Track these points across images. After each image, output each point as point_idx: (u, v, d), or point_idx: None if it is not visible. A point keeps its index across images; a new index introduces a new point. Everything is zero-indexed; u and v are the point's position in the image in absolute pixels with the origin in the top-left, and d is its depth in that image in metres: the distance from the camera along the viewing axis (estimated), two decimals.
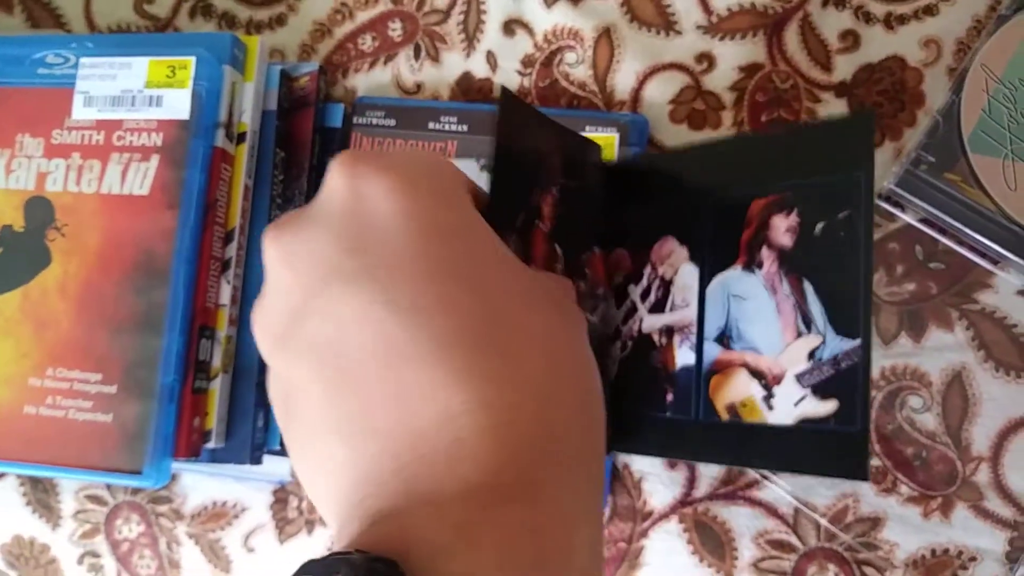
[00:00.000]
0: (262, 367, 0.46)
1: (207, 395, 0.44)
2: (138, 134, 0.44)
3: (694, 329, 0.37)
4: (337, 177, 0.25)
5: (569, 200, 0.38)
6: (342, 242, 0.24)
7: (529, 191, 0.36)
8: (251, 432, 0.45)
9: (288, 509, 0.49)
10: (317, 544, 0.49)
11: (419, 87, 0.51)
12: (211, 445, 0.44)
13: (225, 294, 0.45)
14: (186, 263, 0.42)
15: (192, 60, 0.44)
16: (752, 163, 0.37)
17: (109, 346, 0.42)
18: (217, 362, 0.44)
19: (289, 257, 0.25)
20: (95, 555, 0.51)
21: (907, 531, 0.44)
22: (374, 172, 0.24)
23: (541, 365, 0.24)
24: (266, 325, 0.26)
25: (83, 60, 0.44)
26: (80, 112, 0.44)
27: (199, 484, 0.50)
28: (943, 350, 0.45)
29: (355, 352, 0.23)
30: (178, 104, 0.44)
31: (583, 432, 0.25)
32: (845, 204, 0.34)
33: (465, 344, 0.23)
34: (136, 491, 0.51)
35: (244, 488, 0.50)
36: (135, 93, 0.44)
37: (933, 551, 0.44)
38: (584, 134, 0.46)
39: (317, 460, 0.24)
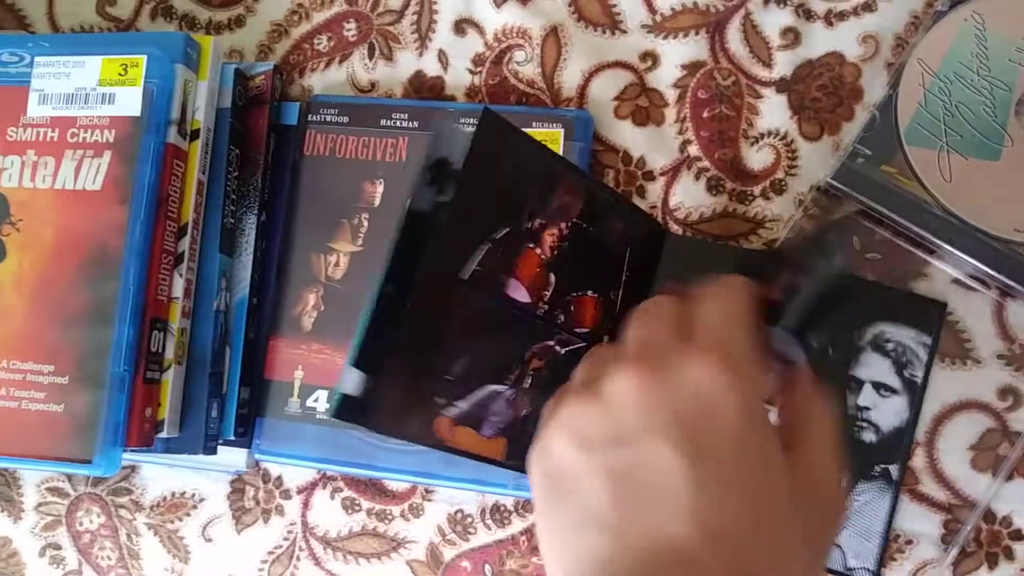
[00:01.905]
0: (215, 359, 0.47)
1: (159, 386, 0.45)
2: (91, 131, 0.45)
3: None
4: (702, 368, 0.30)
5: (580, 241, 0.40)
6: (683, 416, 0.29)
7: (519, 211, 0.37)
8: (204, 422, 0.46)
9: (245, 499, 0.50)
10: (274, 533, 0.50)
11: (373, 85, 0.52)
12: (164, 435, 0.45)
13: (178, 287, 0.46)
14: (137, 256, 0.43)
15: (144, 59, 0.45)
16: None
17: (62, 338, 0.43)
18: (170, 354, 0.45)
19: (641, 395, 0.30)
20: (56, 547, 0.52)
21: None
22: (726, 368, 0.29)
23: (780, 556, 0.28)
24: (578, 428, 0.30)
25: (38, 59, 0.46)
26: (35, 110, 0.45)
27: (158, 475, 0.51)
28: None
29: (637, 482, 0.28)
30: (130, 101, 0.45)
31: None
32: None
33: (725, 522, 0.28)
34: (97, 483, 0.52)
35: (201, 478, 0.51)
36: (88, 91, 0.45)
37: None
38: (530, 130, 0.47)
39: (582, 548, 0.29)
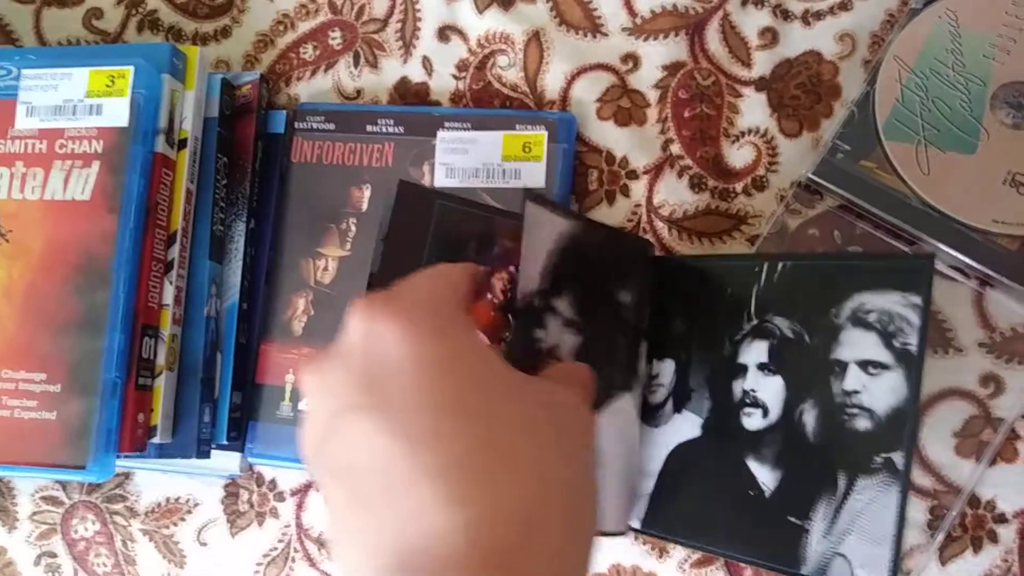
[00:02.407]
0: (207, 365, 0.47)
1: (151, 392, 0.45)
2: (79, 142, 0.45)
3: None
4: (354, 321, 0.29)
5: None
6: (357, 379, 0.28)
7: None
8: (197, 427, 0.47)
9: (239, 502, 0.51)
10: (268, 536, 0.50)
11: (359, 93, 0.52)
12: (157, 440, 0.45)
13: (168, 294, 0.46)
14: (127, 264, 0.44)
15: (130, 70, 0.46)
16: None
17: (53, 346, 0.44)
18: (161, 360, 0.46)
19: (319, 388, 0.30)
20: (52, 555, 0.52)
21: None
22: (382, 316, 0.29)
23: (525, 489, 0.27)
24: (305, 440, 0.30)
25: (25, 72, 0.46)
26: (23, 122, 0.46)
27: (152, 481, 0.52)
28: None
29: (365, 475, 0.27)
30: (117, 112, 0.45)
31: (566, 544, 0.28)
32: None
33: (454, 471, 0.26)
34: (91, 490, 0.52)
35: (195, 483, 0.51)
36: (76, 102, 0.46)
37: None
38: (514, 132, 0.48)
39: (341, 558, 0.28)
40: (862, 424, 0.38)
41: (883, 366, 0.38)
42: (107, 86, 0.46)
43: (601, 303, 0.42)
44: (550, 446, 0.29)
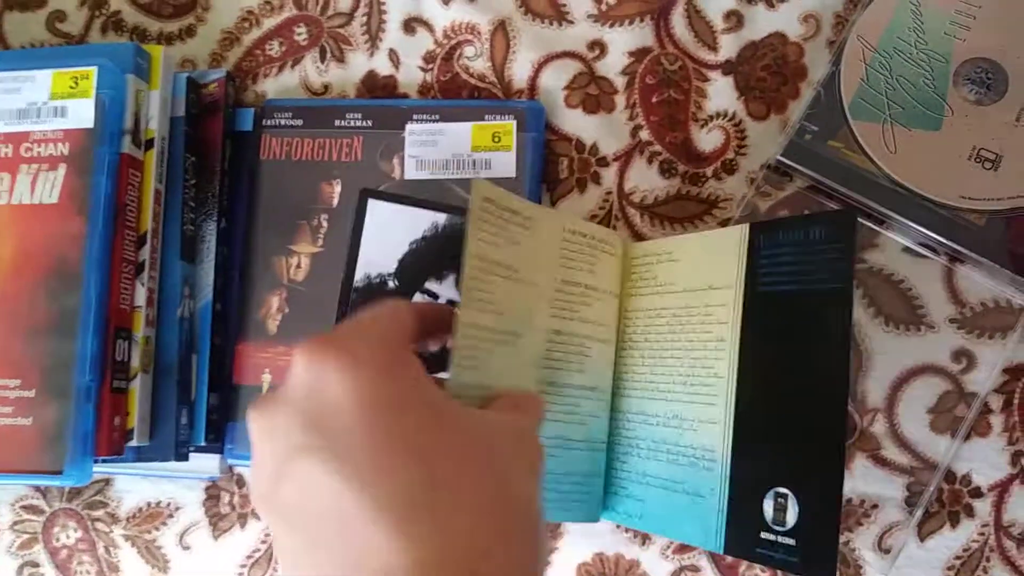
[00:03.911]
0: (182, 366, 0.47)
1: (127, 394, 0.45)
2: (45, 145, 0.45)
3: None
4: (300, 362, 0.29)
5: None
6: (303, 420, 0.28)
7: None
8: (174, 429, 0.46)
9: (220, 505, 0.51)
10: (250, 538, 0.50)
11: (327, 88, 0.52)
12: (134, 443, 0.45)
13: (140, 296, 0.46)
14: (97, 267, 0.44)
15: (94, 70, 0.45)
16: None
17: (26, 352, 0.43)
18: (136, 362, 0.45)
19: (266, 431, 0.30)
20: (34, 565, 0.52)
21: None
22: (325, 356, 0.29)
23: (468, 522, 0.28)
24: (254, 485, 0.30)
25: None
26: None
27: (133, 486, 0.51)
28: None
29: (316, 517, 0.27)
30: (82, 113, 0.45)
31: (515, 571, 0.29)
32: None
33: (400, 508, 0.27)
34: (72, 497, 0.52)
35: (176, 487, 0.51)
36: (40, 105, 0.45)
37: None
38: (483, 123, 0.48)
39: None
40: None
41: None
42: (71, 88, 0.45)
43: None
44: (494, 476, 0.30)
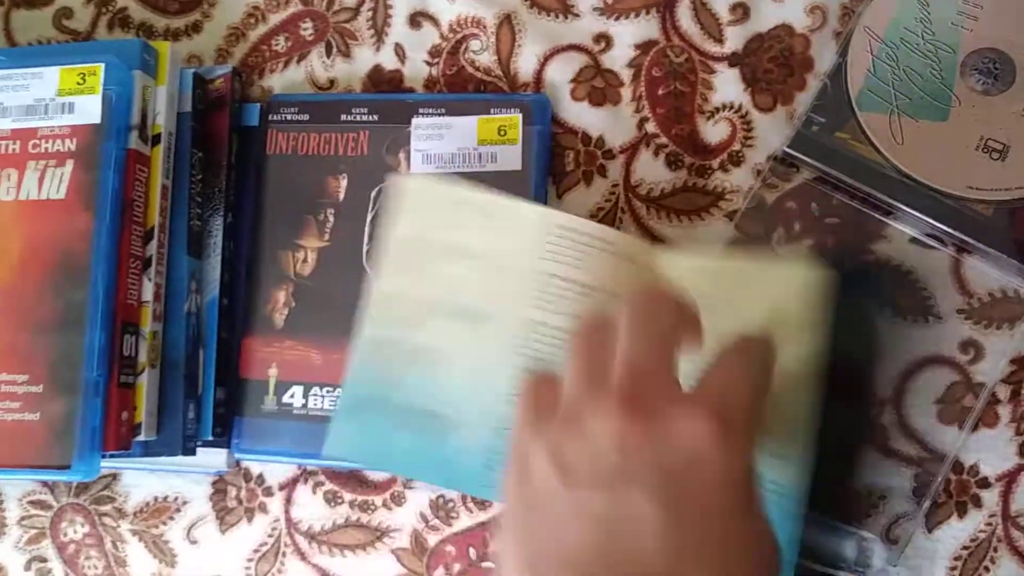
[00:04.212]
0: (189, 361, 0.47)
1: (134, 389, 0.45)
2: (52, 141, 0.45)
3: None
4: (692, 425, 0.30)
5: None
6: (668, 470, 0.29)
7: None
8: (182, 424, 0.46)
9: (227, 499, 0.51)
10: (258, 531, 0.50)
11: (332, 82, 0.52)
12: (142, 438, 0.45)
13: (148, 291, 0.46)
14: (104, 262, 0.44)
15: (101, 67, 0.45)
16: None
17: (34, 347, 0.43)
18: (143, 357, 0.45)
19: (625, 443, 0.30)
20: (42, 560, 0.52)
21: None
22: (718, 444, 0.29)
23: None
24: (563, 461, 0.30)
25: None
26: None
27: (140, 481, 0.51)
28: None
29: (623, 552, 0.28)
30: (90, 109, 0.45)
31: None
32: None
33: None
34: (79, 492, 0.52)
35: (183, 481, 0.51)
36: (48, 101, 0.45)
37: None
38: (489, 116, 0.48)
39: None
40: None
41: None
42: (78, 84, 0.45)
43: None
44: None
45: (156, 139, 0.47)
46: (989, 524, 0.45)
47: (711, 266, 0.44)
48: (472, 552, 0.48)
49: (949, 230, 0.45)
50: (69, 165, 0.45)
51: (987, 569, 0.45)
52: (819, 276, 0.41)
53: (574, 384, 0.33)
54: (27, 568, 0.52)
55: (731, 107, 0.49)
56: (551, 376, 0.35)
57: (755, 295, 0.42)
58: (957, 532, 0.45)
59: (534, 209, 0.44)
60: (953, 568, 0.45)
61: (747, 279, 0.43)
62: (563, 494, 0.29)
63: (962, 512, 0.45)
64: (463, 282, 0.43)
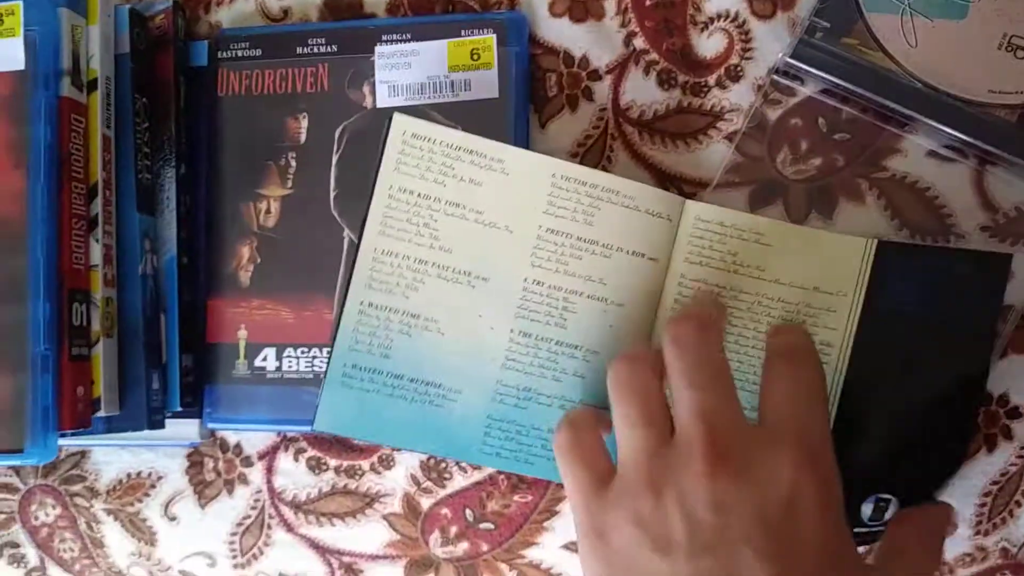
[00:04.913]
0: (149, 327, 0.43)
1: (89, 362, 0.41)
2: None
3: None
4: (790, 472, 0.29)
5: None
6: (769, 524, 0.28)
7: None
8: (146, 396, 0.43)
9: (204, 471, 0.47)
10: (240, 504, 0.47)
11: (286, 13, 0.47)
12: (103, 414, 0.42)
13: (96, 254, 0.42)
14: (43, 224, 0.40)
15: (19, 5, 0.40)
16: None
17: None
18: (96, 326, 0.42)
19: (722, 501, 0.29)
20: (14, 545, 0.49)
21: None
22: (816, 491, 0.29)
23: None
24: (650, 532, 0.29)
25: None
26: None
27: (110, 458, 0.48)
28: (855, 223, 0.43)
29: None
30: (11, 54, 0.40)
31: None
32: None
33: None
34: (47, 473, 0.49)
35: (156, 456, 0.48)
36: None
37: None
38: (460, 39, 0.44)
39: None
40: None
41: None
42: None
43: None
44: None
45: (92, 85, 0.42)
46: (1021, 457, 0.42)
47: (746, 225, 0.41)
48: (469, 513, 0.45)
49: (970, 139, 0.41)
50: None
51: (1018, 504, 0.42)
52: (870, 246, 0.41)
53: (638, 440, 0.32)
54: None
55: (726, 16, 0.44)
56: (589, 420, 0.35)
57: (795, 262, 0.41)
58: (986, 467, 0.42)
59: (535, 157, 0.41)
60: (982, 505, 0.42)
61: (786, 244, 0.41)
62: (662, 566, 0.28)
63: (991, 446, 0.42)
64: (458, 240, 0.40)
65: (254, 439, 0.47)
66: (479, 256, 0.40)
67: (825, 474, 0.30)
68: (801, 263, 0.41)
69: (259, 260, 0.45)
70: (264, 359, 0.45)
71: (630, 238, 0.40)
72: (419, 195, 0.40)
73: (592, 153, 0.44)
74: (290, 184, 0.45)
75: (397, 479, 0.46)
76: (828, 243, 0.41)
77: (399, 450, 0.45)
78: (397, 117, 0.40)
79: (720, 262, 0.41)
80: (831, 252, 0.41)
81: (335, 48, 0.45)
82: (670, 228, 0.41)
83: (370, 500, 0.46)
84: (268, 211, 0.45)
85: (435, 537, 0.46)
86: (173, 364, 0.44)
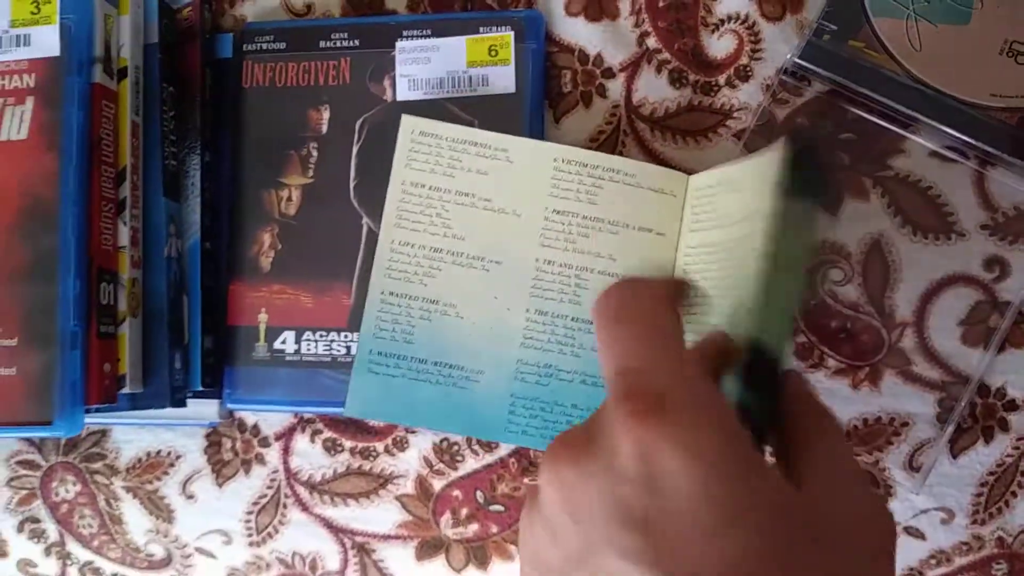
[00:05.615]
0: (172, 308, 0.45)
1: (116, 340, 0.43)
2: (10, 77, 0.42)
3: None
4: (630, 436, 0.23)
5: None
6: (625, 513, 0.23)
7: None
8: (168, 375, 0.44)
9: (223, 451, 0.49)
10: (256, 483, 0.48)
11: (309, 8, 0.49)
12: (127, 390, 0.43)
13: (124, 236, 0.43)
14: (74, 205, 0.41)
15: None
16: None
17: (5, 298, 0.41)
18: (123, 306, 0.43)
19: (570, 503, 0.24)
20: (35, 520, 0.50)
21: (838, 403, 0.44)
22: (670, 446, 0.23)
23: None
24: (537, 557, 0.26)
25: None
26: None
27: (130, 436, 0.49)
28: (859, 220, 0.44)
29: None
30: (47, 41, 0.42)
31: None
32: None
33: None
34: (68, 451, 0.50)
35: (175, 435, 0.49)
36: (0, 34, 0.42)
37: (865, 420, 0.44)
38: (479, 36, 0.45)
39: None
40: None
41: None
42: (32, 14, 0.42)
43: None
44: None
45: (122, 73, 0.44)
46: (1017, 448, 0.43)
47: (727, 174, 0.40)
48: (479, 495, 0.47)
49: (971, 141, 0.43)
50: (29, 103, 0.42)
51: (1014, 494, 0.43)
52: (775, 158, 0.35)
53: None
54: (20, 530, 0.50)
55: (737, 18, 0.46)
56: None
57: (746, 196, 0.37)
58: (983, 458, 0.43)
59: (536, 144, 0.43)
60: (979, 495, 0.43)
61: (743, 178, 0.38)
62: None
63: (988, 437, 0.43)
64: (470, 228, 0.43)
65: (272, 420, 0.48)
66: (491, 241, 0.43)
67: (679, 417, 0.23)
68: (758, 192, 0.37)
69: (280, 246, 0.46)
70: (283, 342, 0.46)
71: (635, 215, 0.42)
72: (430, 188, 0.43)
73: (605, 148, 0.46)
74: (311, 173, 0.46)
75: (411, 461, 0.47)
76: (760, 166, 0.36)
77: (414, 432, 0.47)
78: (405, 117, 0.43)
79: (710, 222, 0.40)
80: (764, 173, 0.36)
81: (357, 43, 0.46)
82: (675, 203, 0.42)
83: (384, 481, 0.47)
84: (289, 199, 0.46)
85: (446, 518, 0.47)
86: (195, 345, 0.46)
